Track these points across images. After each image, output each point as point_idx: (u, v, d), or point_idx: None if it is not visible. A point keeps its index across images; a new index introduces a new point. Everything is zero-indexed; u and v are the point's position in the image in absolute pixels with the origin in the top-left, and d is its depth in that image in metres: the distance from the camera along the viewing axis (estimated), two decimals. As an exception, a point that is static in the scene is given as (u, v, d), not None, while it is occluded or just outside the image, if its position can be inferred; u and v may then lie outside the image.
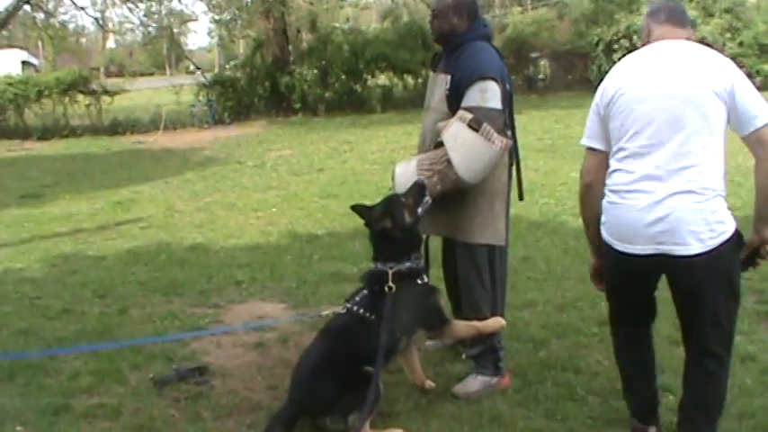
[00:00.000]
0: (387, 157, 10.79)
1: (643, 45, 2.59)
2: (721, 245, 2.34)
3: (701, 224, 2.33)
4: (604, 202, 2.56)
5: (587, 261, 5.07)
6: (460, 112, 3.03)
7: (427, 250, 3.44)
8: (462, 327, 3.09)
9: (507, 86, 3.14)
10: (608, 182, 2.52)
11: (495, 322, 3.17)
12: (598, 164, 2.61)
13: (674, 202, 2.33)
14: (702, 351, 2.50)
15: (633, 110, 2.42)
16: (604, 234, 2.57)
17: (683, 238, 2.34)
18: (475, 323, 3.12)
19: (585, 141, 2.67)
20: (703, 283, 2.39)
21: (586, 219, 2.71)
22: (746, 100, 2.32)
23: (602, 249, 2.62)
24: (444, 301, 3.32)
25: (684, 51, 2.43)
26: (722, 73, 2.35)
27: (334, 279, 5.13)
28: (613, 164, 2.51)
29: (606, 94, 2.53)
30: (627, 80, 2.48)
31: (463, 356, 3.52)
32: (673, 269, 2.40)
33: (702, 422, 2.52)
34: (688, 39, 2.49)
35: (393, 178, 3.18)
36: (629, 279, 2.55)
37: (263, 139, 14.31)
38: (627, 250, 2.44)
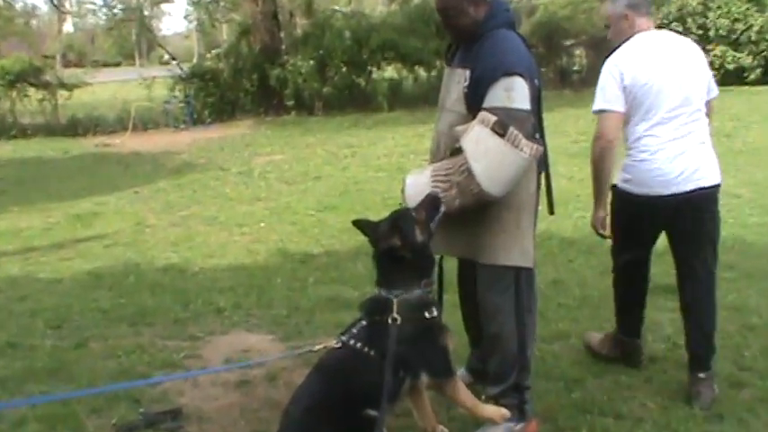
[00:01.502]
0: (394, 163, 10.86)
1: (624, 34, 3.72)
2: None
3: (714, 162, 3.68)
4: (631, 161, 3.68)
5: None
6: (483, 114, 3.04)
7: (441, 273, 3.45)
8: (463, 392, 3.05)
9: (536, 82, 3.16)
10: (636, 145, 3.64)
11: (495, 412, 3.15)
12: (618, 124, 3.63)
13: (694, 151, 3.61)
14: (707, 270, 3.72)
15: (660, 92, 3.59)
16: (626, 187, 3.71)
17: (708, 171, 3.63)
18: (474, 401, 3.10)
19: (606, 105, 3.61)
20: (714, 208, 3.67)
21: (605, 173, 3.71)
22: (711, 78, 3.78)
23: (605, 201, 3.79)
24: (456, 343, 3.32)
25: (680, 42, 3.73)
26: (704, 60, 3.75)
27: (331, 306, 5.16)
28: (640, 131, 3.61)
29: (638, 81, 3.58)
30: (654, 69, 3.60)
31: (482, 397, 3.51)
32: (698, 200, 3.60)
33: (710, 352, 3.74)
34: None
35: (403, 190, 3.20)
36: (649, 220, 3.74)
37: (249, 141, 14.40)
38: (660, 193, 3.60)
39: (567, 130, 12.53)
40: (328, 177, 10.21)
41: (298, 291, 5.54)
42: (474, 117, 3.09)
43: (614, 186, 3.79)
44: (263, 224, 7.89)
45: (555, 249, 6.29)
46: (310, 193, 9.41)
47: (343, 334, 2.96)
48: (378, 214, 3.26)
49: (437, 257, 3.27)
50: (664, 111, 3.58)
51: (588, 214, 7.25)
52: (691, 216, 3.64)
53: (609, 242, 6.20)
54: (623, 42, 3.71)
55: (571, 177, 9.05)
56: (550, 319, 4.68)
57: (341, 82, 17.56)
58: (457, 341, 3.52)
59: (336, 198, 8.85)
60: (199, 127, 17.10)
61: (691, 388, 3.68)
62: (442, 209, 3.05)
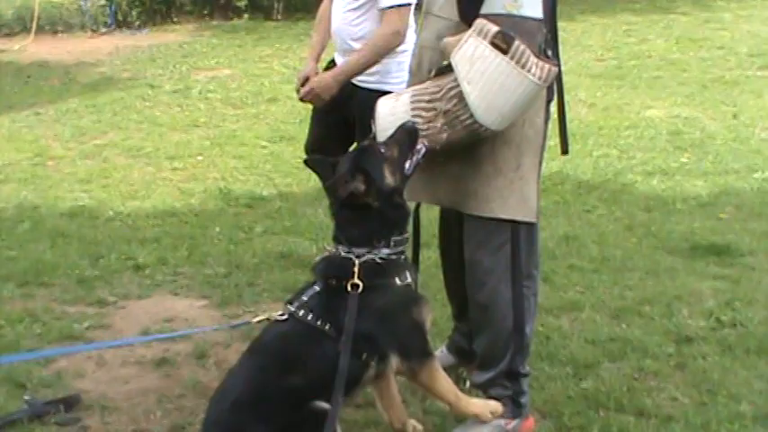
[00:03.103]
0: None
1: None
2: None
3: None
4: None
5: (663, 242, 5.28)
6: (480, 23, 3.04)
7: (417, 225, 3.49)
8: (442, 380, 3.07)
9: (550, -18, 3.17)
10: None
11: (482, 407, 3.17)
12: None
13: None
14: None
15: None
16: None
17: None
18: (455, 391, 3.11)
19: None
20: None
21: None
22: None
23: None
24: (435, 316, 3.33)
25: None
26: None
27: (282, 263, 5.16)
28: None
29: None
30: None
31: (466, 384, 3.54)
32: None
33: None
34: None
35: (374, 120, 3.24)
36: None
37: (188, 52, 14.13)
38: None
39: (590, 45, 12.45)
40: (287, 99, 10.03)
41: (241, 244, 5.54)
42: (469, 26, 3.08)
43: None
44: (200, 157, 7.85)
45: (568, 196, 6.32)
46: (263, 118, 9.34)
47: (290, 302, 2.98)
48: (346, 149, 3.22)
49: (413, 206, 3.32)
50: None
51: (612, 151, 7.52)
52: None
53: (638, 188, 6.47)
54: None
55: (593, 105, 9.06)
56: (558, 286, 4.70)
57: (307, -24, 17.26)
58: (436, 314, 3.51)
59: (295, 126, 8.74)
60: (124, 31, 16.77)
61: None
62: (422, 145, 3.05)
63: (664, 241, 5.40)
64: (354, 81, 4.35)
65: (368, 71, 4.32)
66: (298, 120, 9.01)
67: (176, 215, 6.18)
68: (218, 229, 5.80)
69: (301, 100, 4.46)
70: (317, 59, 4.59)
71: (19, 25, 16.59)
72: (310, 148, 4.62)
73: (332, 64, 4.54)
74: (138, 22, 17.20)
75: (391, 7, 4.24)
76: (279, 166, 7.42)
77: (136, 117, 9.60)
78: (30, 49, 15.10)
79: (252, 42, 14.62)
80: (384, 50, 4.27)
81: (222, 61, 13.03)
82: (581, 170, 6.89)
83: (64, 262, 5.18)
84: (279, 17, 17.27)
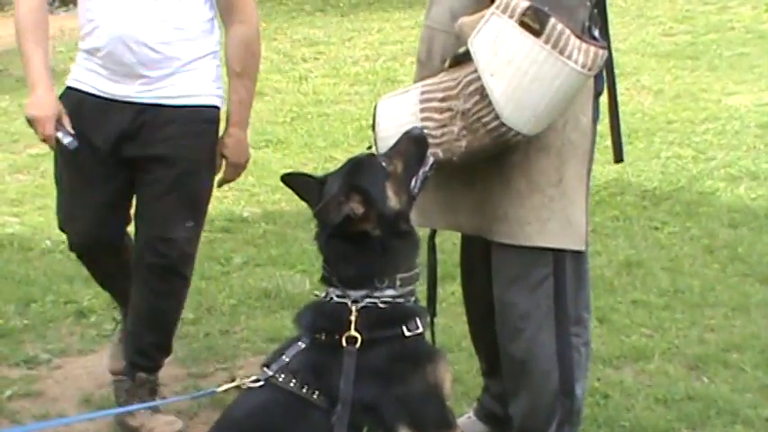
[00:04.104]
0: (380, 72, 10.89)
1: None
2: None
3: None
4: None
5: (753, 268, 5.25)
6: None
7: (433, 258, 3.53)
8: None
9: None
10: None
11: None
12: None
13: None
14: None
15: None
16: None
17: None
18: None
19: None
20: None
21: None
22: None
23: None
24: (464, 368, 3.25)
25: None
26: None
27: (267, 305, 5.16)
28: None
29: None
30: None
31: None
32: None
33: None
34: None
35: (374, 126, 3.29)
36: None
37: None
38: None
39: (656, 16, 12.50)
40: (275, 93, 10.18)
41: (214, 279, 5.55)
42: (491, 1, 3.09)
43: None
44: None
45: (630, 210, 6.32)
46: (246, 116, 9.32)
47: (267, 365, 2.95)
48: (349, 154, 3.31)
49: (427, 233, 3.44)
50: None
51: (686, 151, 7.49)
52: None
53: (719, 198, 6.43)
54: None
55: (659, 92, 9.03)
56: (619, 328, 4.70)
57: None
58: (462, 368, 3.44)
59: (286, 126, 8.84)
60: (71, 9, 16.89)
61: None
62: (432, 157, 3.05)
63: (754, 267, 5.40)
64: (151, 99, 3.81)
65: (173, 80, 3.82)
66: (289, 118, 9.20)
67: (132, 243, 6.16)
68: (185, 260, 5.81)
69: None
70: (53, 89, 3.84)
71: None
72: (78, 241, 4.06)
73: (72, 92, 3.88)
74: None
75: None
76: (264, 178, 7.39)
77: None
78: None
79: (232, 20, 14.70)
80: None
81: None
82: (646, 176, 6.90)
83: (-16, 306, 5.17)
84: (267, -11, 17.35)
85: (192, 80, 3.81)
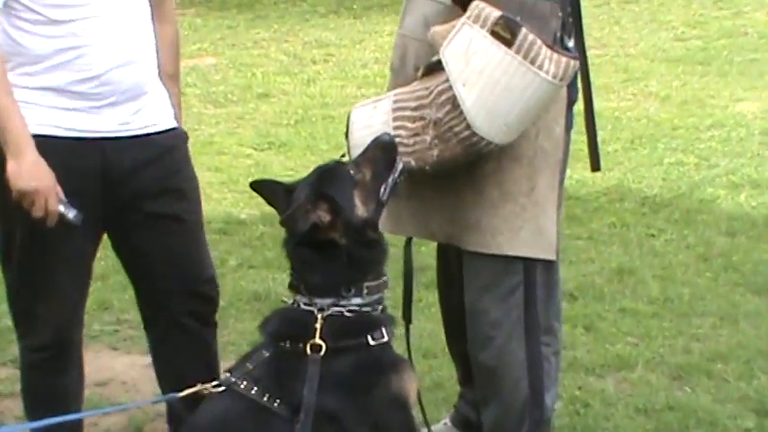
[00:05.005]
0: (389, 75, 10.75)
1: None
2: None
3: None
4: None
5: (746, 277, 5.22)
6: (477, 6, 3.07)
7: (409, 265, 3.50)
8: None
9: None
10: None
11: None
12: None
13: None
14: None
15: None
16: None
17: None
18: None
19: None
20: None
21: None
22: None
23: None
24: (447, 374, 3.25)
25: None
26: None
27: (256, 307, 5.16)
28: None
29: None
30: None
31: None
32: None
33: None
34: None
35: (347, 134, 3.31)
36: None
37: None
38: None
39: (669, 20, 12.32)
40: (282, 95, 10.17)
41: None
42: (463, 10, 3.11)
43: None
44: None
45: (628, 217, 6.28)
46: (249, 120, 9.35)
47: (231, 371, 2.95)
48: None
49: (401, 239, 3.48)
50: None
51: (689, 158, 7.45)
52: None
53: (720, 206, 6.37)
54: None
55: (667, 98, 8.94)
56: (604, 336, 4.68)
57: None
58: (444, 374, 3.43)
59: (290, 129, 8.82)
60: None
61: None
62: (402, 163, 3.05)
63: (748, 276, 5.37)
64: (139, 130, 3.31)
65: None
66: (292, 120, 9.16)
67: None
68: (179, 261, 5.83)
69: None
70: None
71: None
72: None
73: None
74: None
75: None
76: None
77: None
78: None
79: (245, 23, 14.68)
80: None
81: (206, 47, 13.07)
82: (647, 183, 6.87)
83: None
84: (279, -10, 17.37)
85: (164, 98, 3.41)
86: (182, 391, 2.97)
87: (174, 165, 3.38)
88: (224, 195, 7.12)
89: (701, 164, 7.31)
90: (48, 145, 3.07)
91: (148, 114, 3.30)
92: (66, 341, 3.39)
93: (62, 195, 3.05)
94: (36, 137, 3.05)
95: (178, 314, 3.41)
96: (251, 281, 5.48)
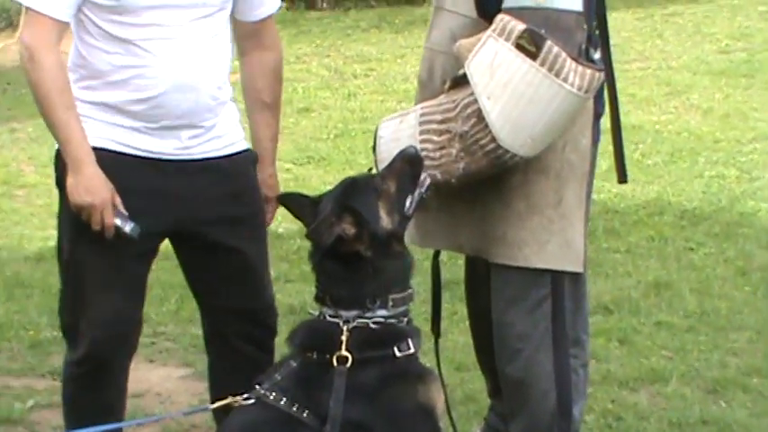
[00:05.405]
0: None
1: None
2: None
3: None
4: None
5: None
6: (502, 20, 3.07)
7: (437, 277, 3.54)
8: None
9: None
10: None
11: None
12: None
13: None
14: None
15: None
16: None
17: None
18: None
19: None
20: None
21: None
22: None
23: None
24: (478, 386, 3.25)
25: None
26: None
27: (291, 320, 4.82)
28: None
29: None
30: None
31: None
32: None
33: None
34: None
35: (375, 148, 3.33)
36: None
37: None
38: None
39: (713, 33, 12.22)
40: (322, 109, 10.20)
41: None
42: (489, 24, 3.11)
43: None
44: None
45: (667, 231, 6.26)
46: (289, 134, 9.25)
47: (260, 383, 2.96)
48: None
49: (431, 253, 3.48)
50: None
51: (730, 171, 7.40)
52: None
53: (760, 219, 6.33)
54: None
55: (709, 110, 8.88)
56: (639, 349, 4.66)
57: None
58: (476, 386, 3.42)
59: (329, 143, 8.86)
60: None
61: None
62: (430, 178, 3.05)
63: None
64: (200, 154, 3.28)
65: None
66: (332, 135, 9.19)
67: (171, 258, 6.16)
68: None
69: None
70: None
71: (2, 21, 16.97)
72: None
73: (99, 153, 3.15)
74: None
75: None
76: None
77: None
78: (14, 48, 15.46)
79: (288, 38, 14.69)
80: None
81: (247, 60, 13.21)
82: (686, 196, 6.83)
83: (18, 320, 5.19)
84: (324, 5, 17.44)
85: (231, 124, 3.36)
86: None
87: (236, 191, 3.33)
88: (262, 209, 7.14)
89: (742, 177, 7.27)
90: (108, 159, 3.11)
91: (211, 140, 3.26)
92: (106, 357, 3.32)
93: (121, 208, 3.07)
94: (97, 150, 3.09)
95: (235, 337, 3.44)
96: (287, 294, 5.47)
